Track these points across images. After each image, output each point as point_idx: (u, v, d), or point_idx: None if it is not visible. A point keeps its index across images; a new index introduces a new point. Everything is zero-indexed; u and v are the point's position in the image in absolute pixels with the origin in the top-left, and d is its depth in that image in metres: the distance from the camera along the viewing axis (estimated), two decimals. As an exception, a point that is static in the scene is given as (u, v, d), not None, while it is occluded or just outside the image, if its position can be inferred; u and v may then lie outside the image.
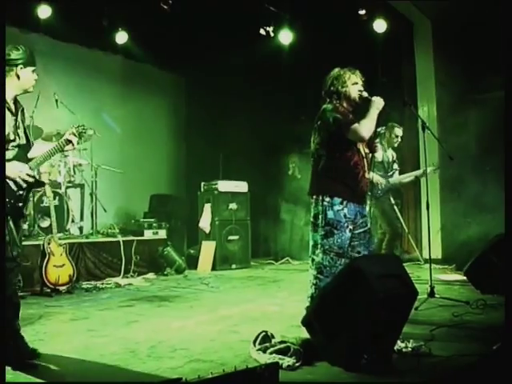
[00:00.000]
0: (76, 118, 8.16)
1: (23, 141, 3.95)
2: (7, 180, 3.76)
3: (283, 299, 6.24)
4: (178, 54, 10.67)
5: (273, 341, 3.86)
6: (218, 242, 9.36)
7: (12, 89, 3.89)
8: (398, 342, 3.80)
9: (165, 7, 8.34)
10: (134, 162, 10.48)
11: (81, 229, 8.54)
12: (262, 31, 9.94)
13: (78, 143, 4.21)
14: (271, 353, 3.66)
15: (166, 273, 8.53)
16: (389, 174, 7.60)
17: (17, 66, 3.86)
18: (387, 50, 9.74)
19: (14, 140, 3.87)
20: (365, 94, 4.52)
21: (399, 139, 7.64)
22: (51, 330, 4.79)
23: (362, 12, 9.12)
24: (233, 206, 9.60)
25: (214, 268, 9.20)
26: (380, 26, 9.17)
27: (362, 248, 4.55)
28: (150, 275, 8.38)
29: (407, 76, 9.79)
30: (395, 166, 7.73)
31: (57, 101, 7.89)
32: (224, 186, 9.58)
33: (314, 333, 3.68)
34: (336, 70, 4.64)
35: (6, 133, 3.80)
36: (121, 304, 6.13)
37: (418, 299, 5.49)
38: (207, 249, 9.34)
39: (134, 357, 3.93)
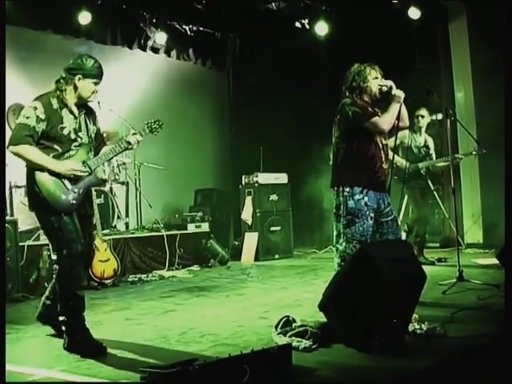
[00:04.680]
0: (115, 117, 8.51)
1: (85, 141, 4.29)
2: (62, 179, 4.10)
3: (318, 286, 6.35)
4: (218, 50, 10.93)
5: (293, 325, 4.07)
6: (261, 233, 9.59)
7: (71, 96, 4.20)
8: (415, 324, 3.95)
9: (199, 7, 8.59)
10: (178, 159, 10.76)
11: (127, 225, 8.89)
12: (297, 24, 10.13)
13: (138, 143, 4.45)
14: (290, 336, 3.87)
15: (209, 264, 8.81)
16: (420, 158, 7.63)
17: (75, 75, 4.17)
18: (423, 37, 9.79)
19: (75, 140, 4.21)
20: (385, 88, 4.65)
21: (424, 120, 7.62)
22: (93, 320, 5.05)
23: (395, 0, 9.18)
24: (273, 197, 9.81)
25: (257, 259, 9.43)
26: (414, 12, 9.19)
27: (390, 236, 4.71)
28: (195, 267, 8.67)
29: (444, 61, 9.77)
30: (429, 150, 7.75)
31: (99, 102, 8.21)
32: (264, 178, 9.81)
33: (330, 316, 3.87)
34: (356, 65, 4.77)
35: (67, 132, 4.16)
36: (162, 295, 6.44)
37: (447, 283, 5.66)
38: (250, 240, 9.58)
39: (164, 342, 4.22)
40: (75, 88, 4.18)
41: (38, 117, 4.05)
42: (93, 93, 4.25)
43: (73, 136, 4.19)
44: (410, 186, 7.47)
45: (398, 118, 4.65)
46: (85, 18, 8.53)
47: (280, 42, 10.28)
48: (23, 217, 7.14)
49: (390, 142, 5.94)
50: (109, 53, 9.73)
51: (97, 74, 4.25)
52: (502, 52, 5.00)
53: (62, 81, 4.21)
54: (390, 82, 4.62)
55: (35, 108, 4.08)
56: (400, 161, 7.16)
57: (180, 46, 10.39)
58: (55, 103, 4.15)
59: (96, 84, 4.24)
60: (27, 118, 4.05)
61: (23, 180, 7.25)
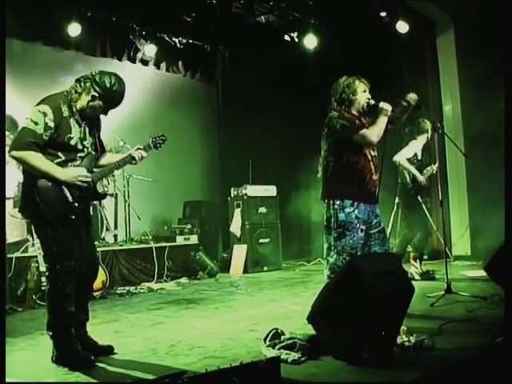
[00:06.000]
0: (105, 129, 8.52)
1: (91, 151, 4.11)
2: (64, 188, 3.89)
3: (307, 298, 6.34)
4: (207, 63, 10.96)
5: (282, 337, 4.07)
6: (250, 246, 9.59)
7: (81, 104, 3.97)
8: (403, 336, 3.96)
9: (188, 19, 8.63)
10: (167, 171, 10.73)
11: (115, 237, 8.84)
12: (286, 37, 10.20)
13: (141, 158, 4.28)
14: (279, 348, 3.87)
15: (198, 277, 8.79)
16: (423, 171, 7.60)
17: (94, 91, 3.92)
18: (411, 50, 9.87)
19: (81, 150, 4.02)
20: (372, 102, 4.69)
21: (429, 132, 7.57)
22: (81, 333, 5.08)
23: (384, 14, 9.26)
24: (262, 209, 9.83)
25: (246, 271, 9.43)
26: (402, 26, 9.28)
27: (377, 247, 4.73)
28: (183, 279, 8.66)
29: (432, 74, 9.85)
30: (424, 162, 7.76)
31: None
32: (253, 190, 9.82)
33: (318, 328, 3.87)
34: (344, 78, 4.79)
35: (74, 142, 3.95)
36: (150, 307, 6.42)
37: (435, 295, 5.68)
38: (239, 252, 9.58)
39: (153, 355, 4.20)
40: (88, 102, 3.95)
41: (46, 124, 3.81)
42: (98, 115, 4.11)
43: (79, 146, 4.00)
44: (418, 201, 7.46)
45: (386, 129, 4.68)
46: (74, 29, 8.52)
47: (269, 54, 10.33)
48: (11, 228, 7.12)
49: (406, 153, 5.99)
50: (98, 65, 9.70)
51: (114, 105, 4.03)
52: (501, 57, 5.03)
53: (81, 85, 3.97)
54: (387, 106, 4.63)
55: (45, 114, 3.82)
56: (420, 177, 7.26)
57: (169, 59, 10.41)
58: (65, 110, 3.91)
59: (105, 112, 4.05)
60: (35, 124, 3.80)
61: (11, 191, 7.35)
